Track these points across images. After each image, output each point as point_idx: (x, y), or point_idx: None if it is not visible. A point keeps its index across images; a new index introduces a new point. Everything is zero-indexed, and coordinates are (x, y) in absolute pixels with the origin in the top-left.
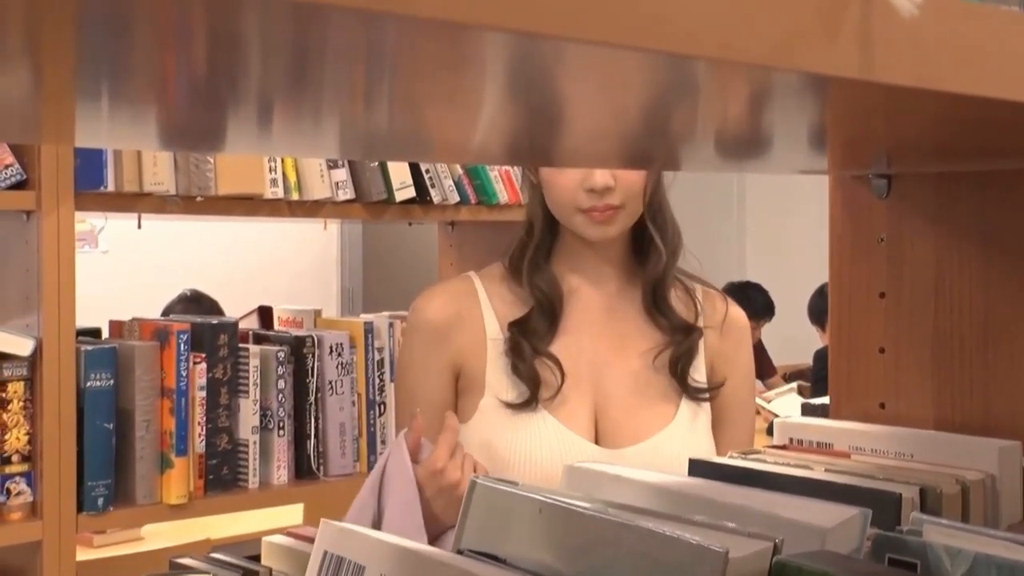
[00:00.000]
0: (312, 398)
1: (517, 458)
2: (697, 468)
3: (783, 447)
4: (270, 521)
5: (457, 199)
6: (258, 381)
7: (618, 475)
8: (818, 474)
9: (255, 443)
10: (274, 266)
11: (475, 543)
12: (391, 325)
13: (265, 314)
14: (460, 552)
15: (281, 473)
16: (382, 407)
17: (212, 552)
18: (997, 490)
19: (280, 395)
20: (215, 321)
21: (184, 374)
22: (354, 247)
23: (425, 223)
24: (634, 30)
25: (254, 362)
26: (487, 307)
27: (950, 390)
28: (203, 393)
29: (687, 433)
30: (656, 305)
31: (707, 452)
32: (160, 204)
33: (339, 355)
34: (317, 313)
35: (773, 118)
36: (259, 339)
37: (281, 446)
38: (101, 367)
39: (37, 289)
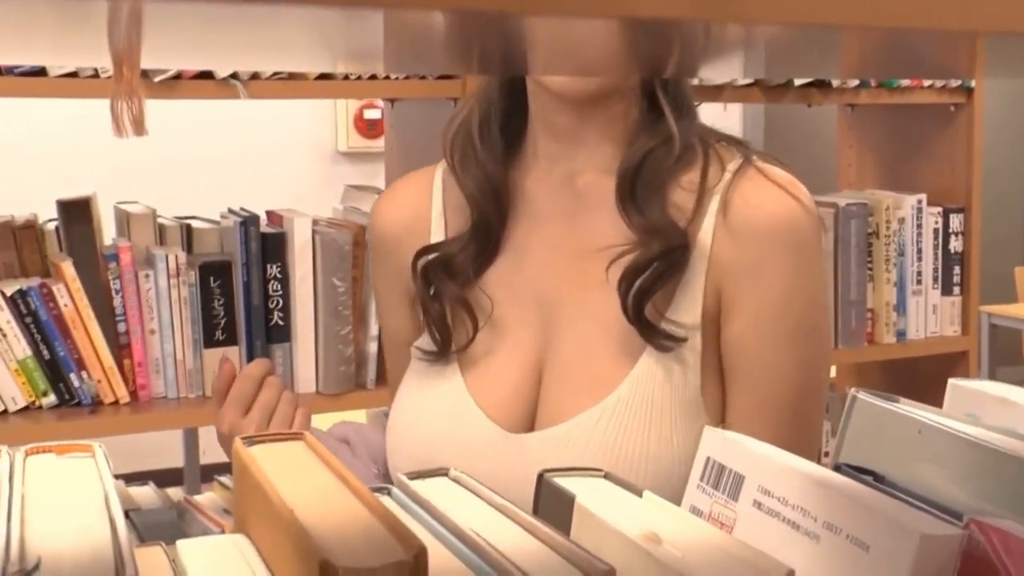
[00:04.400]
0: None
1: (416, 429)
2: None
3: None
4: None
5: (857, 82)
6: None
7: (1004, 397)
8: None
9: None
10: None
11: (853, 457)
12: None
13: None
14: (838, 467)
15: None
16: None
17: None
18: None
19: None
20: None
21: None
22: (756, 124)
23: (824, 105)
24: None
25: None
26: (438, 212)
27: None
28: None
29: (624, 412)
30: (632, 192)
31: (658, 444)
32: None
33: None
34: None
35: None
36: None
37: None
38: None
39: None
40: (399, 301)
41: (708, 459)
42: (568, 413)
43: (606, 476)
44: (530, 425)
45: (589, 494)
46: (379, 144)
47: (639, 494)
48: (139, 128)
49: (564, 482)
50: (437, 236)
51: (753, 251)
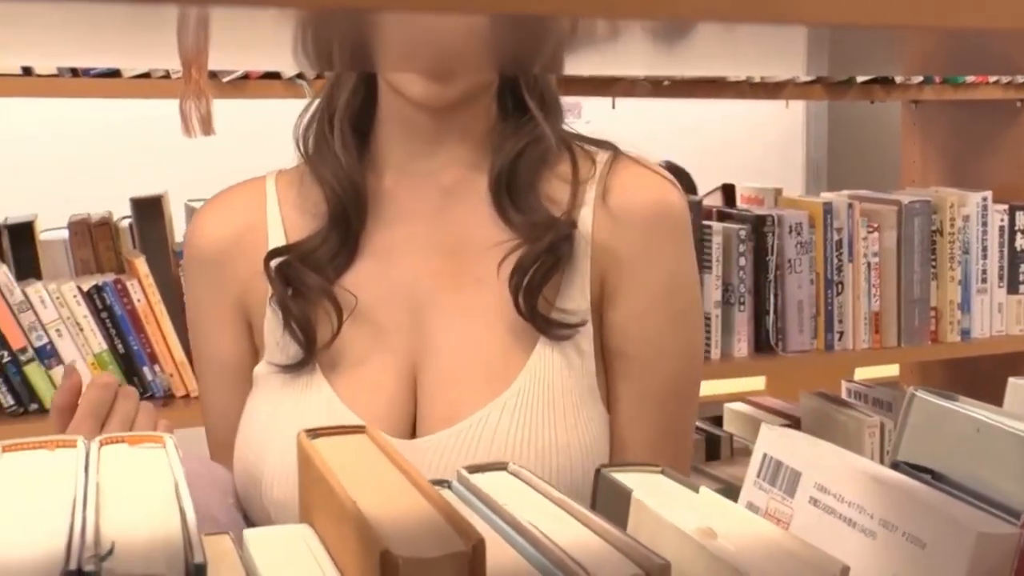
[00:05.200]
0: (771, 276)
1: (287, 450)
2: None
3: None
4: (728, 387)
5: (920, 78)
6: (720, 257)
7: None
8: None
9: (717, 316)
10: (741, 141)
11: (911, 455)
12: (850, 206)
13: (728, 192)
14: (896, 464)
15: (741, 346)
16: (839, 287)
17: None
18: None
19: (740, 271)
20: None
21: None
22: (819, 120)
23: (888, 101)
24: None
25: (716, 239)
26: (275, 222)
27: None
28: None
29: (526, 404)
30: (508, 193)
31: (566, 432)
32: (630, 88)
33: (798, 234)
34: (778, 192)
35: None
36: (722, 216)
37: (742, 320)
38: None
39: None
40: (227, 321)
41: (765, 455)
42: (462, 413)
43: (663, 472)
44: (411, 430)
45: (646, 489)
46: None
47: (696, 490)
48: (207, 127)
49: (621, 477)
50: (278, 243)
51: (636, 236)
